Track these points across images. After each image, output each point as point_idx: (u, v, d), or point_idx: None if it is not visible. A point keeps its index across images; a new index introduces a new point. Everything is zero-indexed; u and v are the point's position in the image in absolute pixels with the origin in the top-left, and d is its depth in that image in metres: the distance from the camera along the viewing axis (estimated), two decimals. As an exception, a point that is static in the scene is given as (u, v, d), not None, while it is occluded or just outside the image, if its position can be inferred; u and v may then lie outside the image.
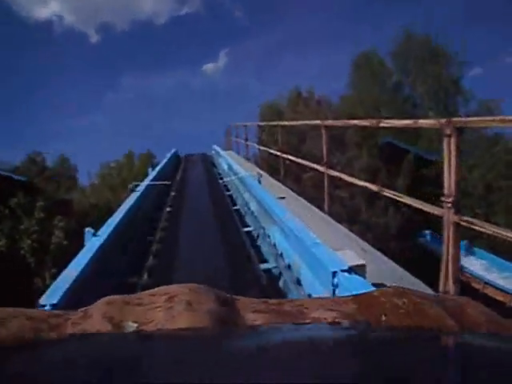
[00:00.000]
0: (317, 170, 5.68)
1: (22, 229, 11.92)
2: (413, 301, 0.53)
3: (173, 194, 7.38)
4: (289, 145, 14.18)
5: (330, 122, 5.39)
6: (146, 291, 0.60)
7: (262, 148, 10.79)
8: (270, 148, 10.27)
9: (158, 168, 8.94)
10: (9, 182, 13.18)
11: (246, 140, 12.67)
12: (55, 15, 46.37)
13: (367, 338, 0.53)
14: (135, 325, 0.57)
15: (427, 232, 11.31)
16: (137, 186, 6.06)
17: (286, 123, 8.86)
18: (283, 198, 5.14)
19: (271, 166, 12.67)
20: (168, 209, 6.13)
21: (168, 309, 0.57)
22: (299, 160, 6.74)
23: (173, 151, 14.25)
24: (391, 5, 34.23)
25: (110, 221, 3.89)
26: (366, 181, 4.61)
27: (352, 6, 37.73)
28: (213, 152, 14.55)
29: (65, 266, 2.72)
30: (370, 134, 14.81)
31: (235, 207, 6.04)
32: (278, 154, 7.76)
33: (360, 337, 0.53)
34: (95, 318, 0.58)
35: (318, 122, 5.84)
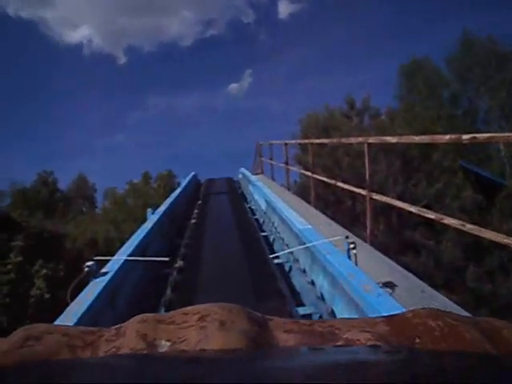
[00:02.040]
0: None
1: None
2: (448, 323, 0.60)
3: (175, 273, 4.68)
4: (352, 169, 12.58)
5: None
6: (179, 310, 0.69)
7: (323, 179, 8.25)
8: (312, 172, 8.72)
9: (163, 208, 6.93)
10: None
11: (287, 163, 11.03)
12: (85, 39, 57.36)
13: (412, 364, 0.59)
14: (168, 343, 0.66)
15: None
16: (102, 262, 3.58)
17: (375, 140, 6.26)
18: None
19: (321, 199, 10.98)
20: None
21: (201, 328, 0.65)
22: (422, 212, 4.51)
23: (191, 175, 13.03)
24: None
25: None
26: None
27: (381, 24, 40.42)
28: (240, 176, 13.54)
29: None
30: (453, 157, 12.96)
31: (303, 310, 3.69)
32: (363, 193, 5.85)
33: (403, 363, 0.58)
34: (128, 335, 0.67)
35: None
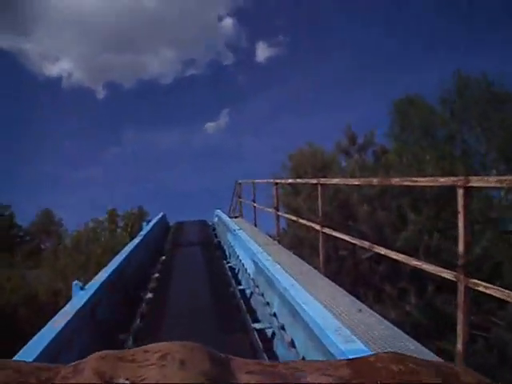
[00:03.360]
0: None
1: None
2: (409, 368, 0.65)
3: None
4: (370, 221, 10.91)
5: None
6: (140, 347, 0.71)
7: (345, 237, 5.49)
8: (321, 225, 6.18)
9: (105, 275, 4.94)
10: None
11: (277, 209, 9.08)
12: (65, 72, 59.51)
13: None
14: (127, 382, 0.68)
15: None
16: None
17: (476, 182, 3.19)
18: None
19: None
20: None
21: (161, 367, 0.68)
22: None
23: (159, 217, 11.73)
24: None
25: None
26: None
27: (359, 65, 44.01)
28: (215, 220, 12.48)
29: None
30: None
31: None
32: (452, 277, 3.16)
33: None
34: (86, 373, 0.69)
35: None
